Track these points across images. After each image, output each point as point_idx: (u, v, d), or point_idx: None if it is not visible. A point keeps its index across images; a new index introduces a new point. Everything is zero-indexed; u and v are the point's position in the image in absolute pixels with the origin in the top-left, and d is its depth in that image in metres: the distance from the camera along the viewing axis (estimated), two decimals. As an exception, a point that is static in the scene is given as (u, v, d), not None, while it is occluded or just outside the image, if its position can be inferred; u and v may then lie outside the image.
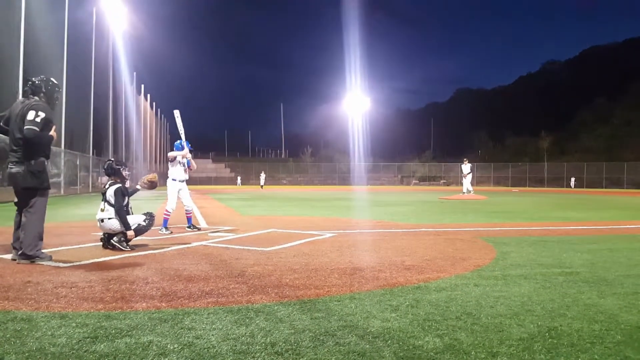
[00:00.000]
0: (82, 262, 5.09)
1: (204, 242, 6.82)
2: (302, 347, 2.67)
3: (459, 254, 5.86)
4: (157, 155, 65.22)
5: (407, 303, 3.57)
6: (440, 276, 4.55)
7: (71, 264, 4.97)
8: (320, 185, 69.12)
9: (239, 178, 67.18)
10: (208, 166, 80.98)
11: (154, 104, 62.28)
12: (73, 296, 3.71)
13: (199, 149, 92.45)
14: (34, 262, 4.97)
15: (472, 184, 24.44)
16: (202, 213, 12.68)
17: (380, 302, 3.59)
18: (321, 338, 2.81)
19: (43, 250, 5.18)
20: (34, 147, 4.97)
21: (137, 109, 49.04)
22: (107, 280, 4.26)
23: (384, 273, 4.68)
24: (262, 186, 44.87)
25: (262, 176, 49.49)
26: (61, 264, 4.97)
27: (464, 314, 3.31)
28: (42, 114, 4.94)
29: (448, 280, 4.39)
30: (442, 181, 72.23)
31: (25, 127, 4.86)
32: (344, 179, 72.33)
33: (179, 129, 8.78)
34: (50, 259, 5.12)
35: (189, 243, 6.70)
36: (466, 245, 6.73)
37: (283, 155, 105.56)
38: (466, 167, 24.10)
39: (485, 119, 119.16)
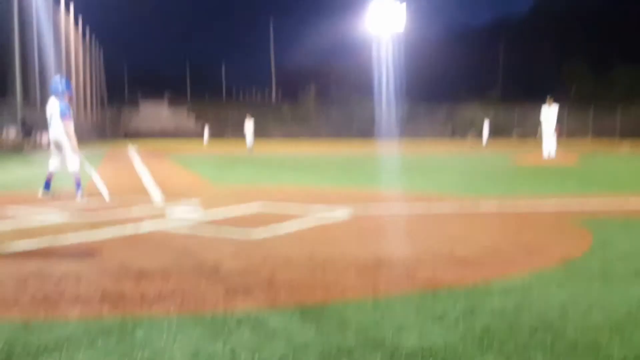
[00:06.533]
0: (-16, 252, 5.22)
1: (159, 224, 6.91)
2: (305, 371, 2.77)
3: (537, 241, 5.90)
4: (88, 97, 65.14)
5: (458, 311, 3.64)
6: (508, 273, 4.61)
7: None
8: (330, 140, 68.85)
9: (206, 130, 66.53)
10: (163, 113, 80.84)
11: (79, 18, 61.69)
12: (-27, 299, 3.83)
13: (148, 88, 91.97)
14: None
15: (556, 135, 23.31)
16: (157, 182, 12.76)
17: (419, 310, 3.67)
18: (332, 359, 2.90)
19: None
20: None
21: (55, 28, 48.67)
22: (23, 276, 4.37)
23: (423, 269, 4.75)
24: (249, 149, 38.37)
25: (248, 125, 39.57)
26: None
27: (542, 327, 3.37)
28: None
29: (519, 278, 4.44)
30: (514, 132, 71.57)
31: None
32: (366, 131, 71.79)
33: None
34: None
35: (138, 225, 6.79)
36: (548, 228, 6.76)
37: (274, 98, 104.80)
38: (551, 110, 23.01)
39: (582, 39, 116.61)
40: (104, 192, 9.28)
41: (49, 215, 7.58)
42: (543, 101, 23.66)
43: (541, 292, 4.07)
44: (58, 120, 9.36)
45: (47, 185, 9.45)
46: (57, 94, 9.50)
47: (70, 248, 5.57)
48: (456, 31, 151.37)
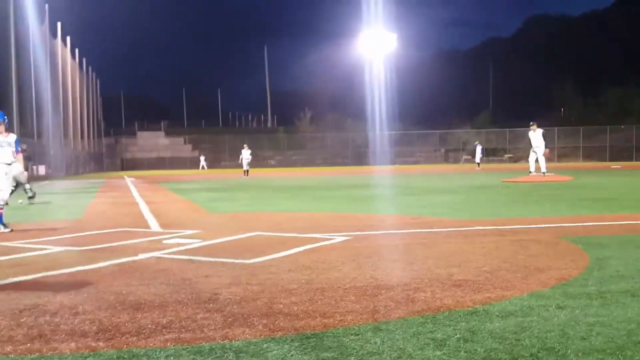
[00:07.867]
0: (-20, 286, 5.13)
1: (156, 253, 6.83)
2: (305, 402, 2.70)
3: (534, 263, 5.86)
4: (86, 127, 65.29)
5: (458, 335, 3.59)
6: (507, 295, 4.56)
7: (-37, 289, 5.02)
8: (326, 166, 69.19)
9: (202, 158, 67.27)
10: (160, 142, 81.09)
11: (76, 51, 62.14)
12: (-32, 335, 3.75)
13: (145, 117, 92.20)
14: None
15: (546, 159, 24.47)
16: (153, 211, 12.73)
17: (419, 335, 3.61)
18: (333, 388, 2.84)
19: None
20: None
21: (52, 60, 48.97)
22: (17, 311, 4.29)
23: (422, 292, 4.69)
24: (245, 171, 39.19)
25: (245, 153, 39.72)
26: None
27: (543, 349, 3.32)
28: None
29: (518, 300, 4.40)
30: (506, 156, 72.12)
31: None
32: (361, 156, 72.36)
33: None
34: None
35: (135, 255, 6.73)
36: (544, 249, 6.73)
37: (269, 124, 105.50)
38: (536, 135, 24.22)
39: (571, 62, 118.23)
40: None
41: (44, 247, 7.50)
42: (528, 127, 25.37)
43: (540, 314, 4.02)
44: None
45: None
46: None
47: (66, 280, 5.49)
48: (446, 54, 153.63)
